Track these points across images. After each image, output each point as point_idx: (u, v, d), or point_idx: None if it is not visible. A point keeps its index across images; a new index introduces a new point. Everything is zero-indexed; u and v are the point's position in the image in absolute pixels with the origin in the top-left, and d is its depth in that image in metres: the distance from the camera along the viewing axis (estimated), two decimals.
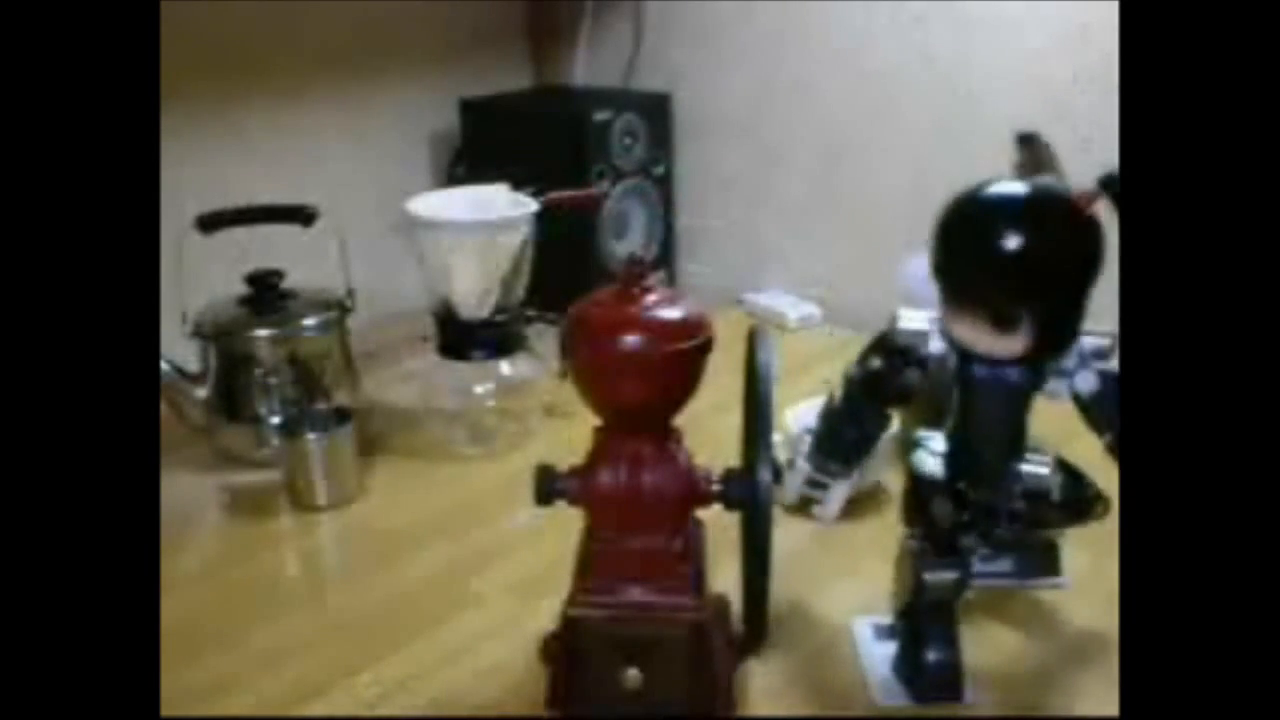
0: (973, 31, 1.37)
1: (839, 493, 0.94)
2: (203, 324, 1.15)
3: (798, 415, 1.02)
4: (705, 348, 0.72)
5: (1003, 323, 0.68)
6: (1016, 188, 0.69)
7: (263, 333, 1.15)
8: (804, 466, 0.91)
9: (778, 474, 0.74)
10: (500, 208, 1.16)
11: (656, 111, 1.58)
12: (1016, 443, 0.75)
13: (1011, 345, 0.69)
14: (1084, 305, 0.68)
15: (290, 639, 0.88)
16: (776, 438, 0.70)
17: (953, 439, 0.77)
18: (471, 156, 1.59)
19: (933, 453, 0.78)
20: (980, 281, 0.69)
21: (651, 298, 0.73)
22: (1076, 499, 0.78)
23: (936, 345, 0.75)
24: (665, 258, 1.64)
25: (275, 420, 1.14)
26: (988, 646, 0.84)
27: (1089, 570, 0.85)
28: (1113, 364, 0.73)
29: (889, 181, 1.46)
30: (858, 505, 1.03)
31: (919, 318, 0.76)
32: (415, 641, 0.87)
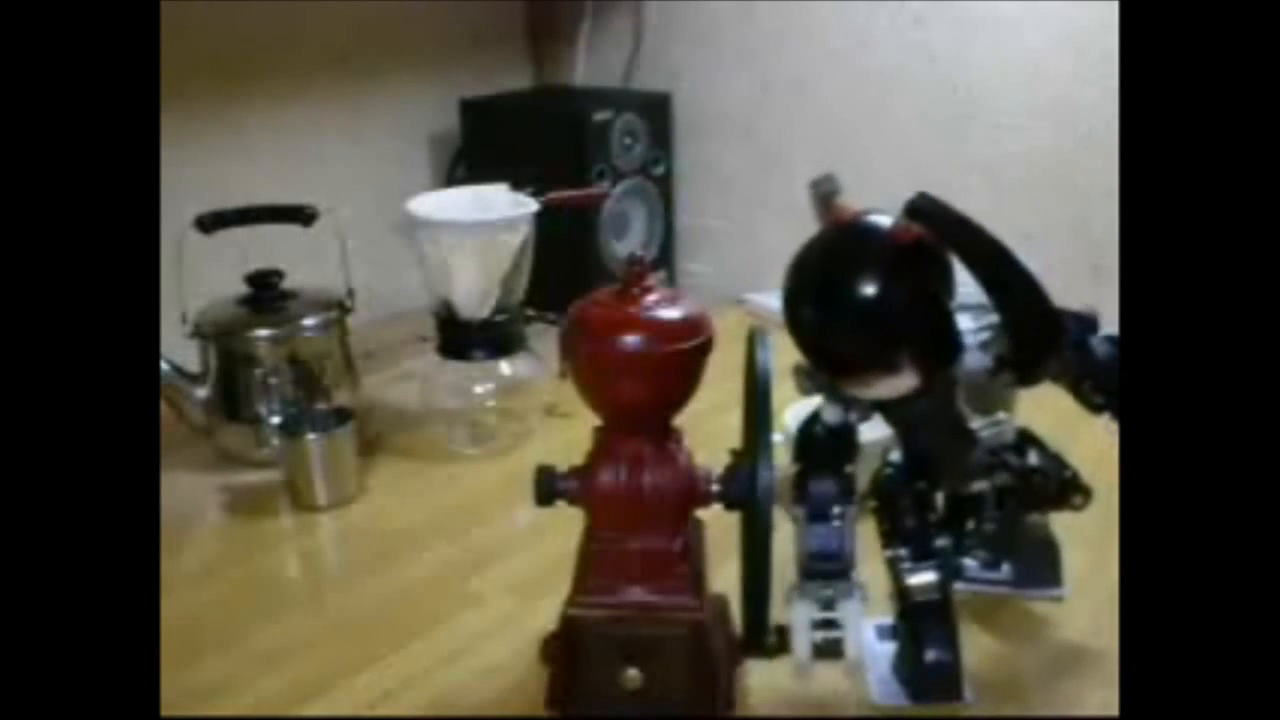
0: (973, 31, 1.37)
1: (853, 620, 0.75)
2: (203, 324, 1.15)
3: (797, 415, 1.01)
4: (705, 348, 0.72)
5: (885, 369, 0.68)
6: (840, 243, 0.70)
7: (263, 333, 1.15)
8: (803, 610, 0.75)
9: (782, 638, 0.74)
10: (500, 208, 1.16)
11: (656, 111, 1.58)
12: (962, 436, 0.75)
13: (905, 382, 0.69)
14: (952, 318, 0.69)
15: (290, 639, 0.88)
16: (776, 438, 0.70)
17: (907, 458, 0.78)
18: (471, 156, 1.59)
19: (891, 465, 0.80)
20: (847, 347, 0.69)
21: (651, 298, 0.73)
22: (1056, 477, 0.78)
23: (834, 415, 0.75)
24: (665, 258, 1.64)
25: (275, 420, 1.14)
26: (987, 647, 0.84)
27: (1087, 572, 0.85)
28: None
29: (889, 182, 1.46)
30: (858, 505, 1.03)
31: (806, 405, 0.77)
32: (415, 641, 0.87)
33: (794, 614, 0.75)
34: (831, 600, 0.75)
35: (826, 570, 0.75)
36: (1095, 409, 0.73)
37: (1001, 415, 0.76)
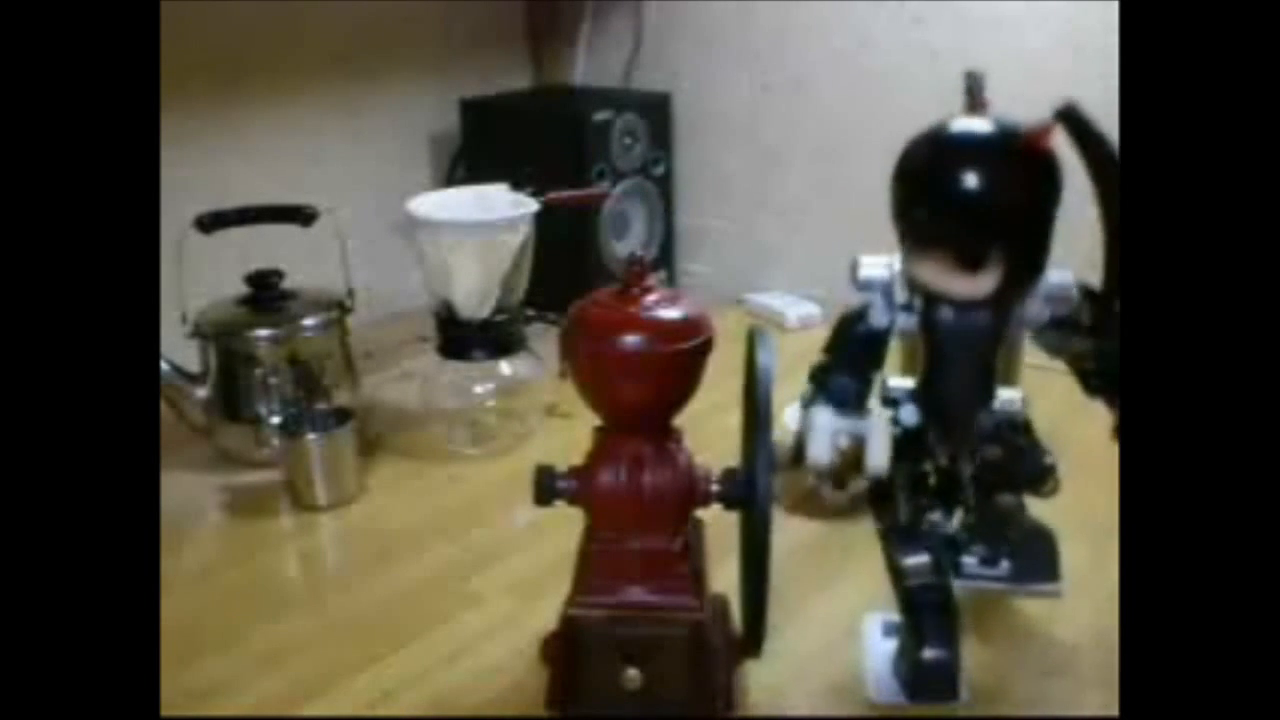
0: (973, 31, 1.37)
1: (878, 428, 0.75)
2: (203, 324, 1.15)
3: (797, 415, 1.01)
4: (705, 348, 0.72)
5: (970, 262, 0.67)
6: (975, 126, 0.69)
7: (263, 333, 1.15)
8: (825, 414, 0.75)
9: (800, 450, 0.73)
10: (500, 208, 1.16)
11: (656, 111, 1.58)
12: (986, 389, 0.75)
13: (981, 285, 0.68)
14: (1049, 239, 0.68)
15: (290, 639, 0.88)
16: (776, 437, 0.70)
17: (922, 389, 0.76)
18: (471, 156, 1.59)
19: (902, 406, 0.77)
20: (946, 222, 0.68)
21: (651, 298, 0.73)
22: (1034, 463, 0.77)
23: (901, 296, 0.74)
24: (665, 258, 1.64)
25: (275, 420, 1.14)
26: (987, 648, 0.84)
27: (1087, 572, 0.85)
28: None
29: (889, 181, 1.46)
30: (858, 505, 1.03)
31: (879, 262, 0.75)
32: (415, 641, 0.87)
33: (815, 418, 0.74)
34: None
35: (844, 399, 0.75)
36: (1091, 391, 0.73)
37: (1017, 393, 0.76)
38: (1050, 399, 0.76)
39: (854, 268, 0.76)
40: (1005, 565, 0.83)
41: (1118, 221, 0.65)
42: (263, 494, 1.10)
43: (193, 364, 1.16)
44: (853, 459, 0.75)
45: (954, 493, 0.80)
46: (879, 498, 0.80)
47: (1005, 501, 0.81)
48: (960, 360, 0.74)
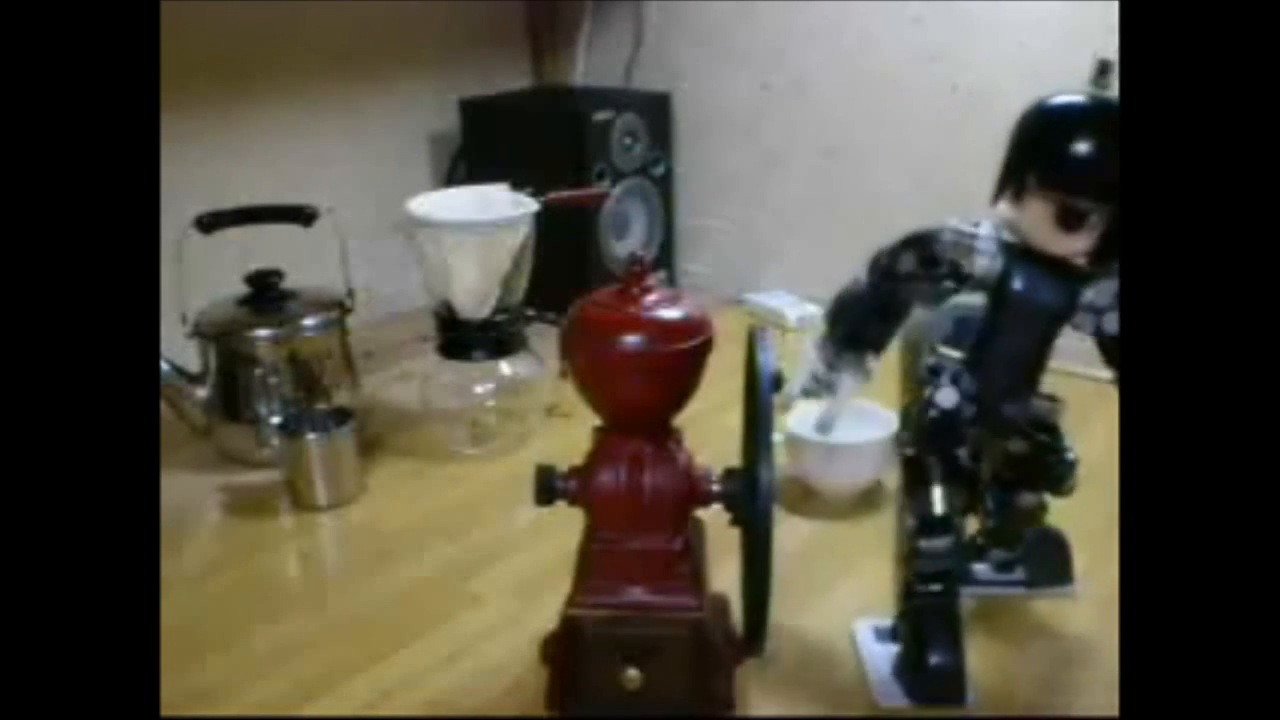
0: (973, 31, 1.37)
1: (848, 386, 0.82)
2: (203, 324, 1.15)
3: (797, 415, 1.02)
4: (705, 348, 0.72)
5: (1072, 217, 0.69)
6: (1109, 97, 0.71)
7: (263, 333, 1.15)
8: (813, 361, 0.83)
9: (779, 381, 0.73)
10: (500, 208, 1.16)
11: (656, 111, 1.58)
12: (1034, 372, 0.75)
13: (1074, 243, 0.70)
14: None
15: (290, 639, 0.88)
16: (776, 438, 0.70)
17: (971, 358, 0.76)
18: (471, 156, 1.59)
19: (949, 383, 0.76)
20: (1065, 171, 0.70)
21: (651, 298, 0.73)
22: (1060, 461, 0.78)
23: (982, 261, 0.74)
24: (665, 258, 1.64)
25: (275, 420, 1.14)
26: (986, 649, 0.84)
27: (1087, 572, 0.85)
28: None
29: (889, 181, 1.46)
30: (858, 505, 1.04)
31: (965, 229, 0.75)
32: (415, 641, 0.87)
33: (804, 359, 0.83)
34: (838, 366, 0.81)
35: (854, 336, 0.80)
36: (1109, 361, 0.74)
37: (1058, 400, 0.76)
38: (1078, 333, 0.76)
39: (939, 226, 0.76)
40: (1019, 572, 0.83)
41: None
42: (263, 494, 1.10)
43: (193, 364, 1.16)
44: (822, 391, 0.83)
45: (972, 494, 0.80)
46: (913, 483, 0.80)
47: (1027, 501, 0.81)
48: (1018, 335, 0.75)
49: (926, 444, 0.78)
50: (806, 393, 0.85)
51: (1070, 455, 0.77)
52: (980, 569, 0.83)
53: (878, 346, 0.81)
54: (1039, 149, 0.72)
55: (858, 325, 0.81)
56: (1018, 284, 0.73)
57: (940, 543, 0.77)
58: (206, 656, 0.86)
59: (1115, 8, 0.63)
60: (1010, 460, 0.78)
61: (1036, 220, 0.71)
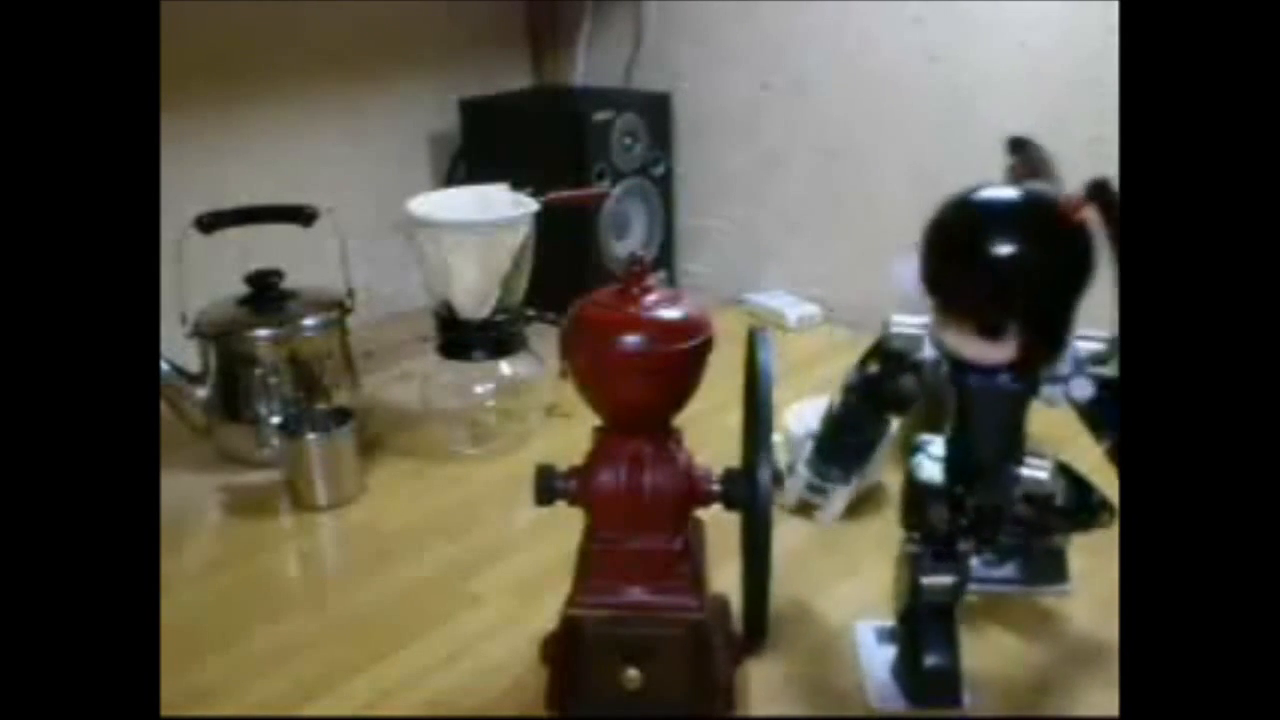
0: (973, 31, 1.37)
1: (839, 498, 0.88)
2: (203, 324, 1.15)
3: (798, 415, 1.02)
4: (705, 348, 0.72)
5: (990, 331, 0.68)
6: (1004, 194, 0.69)
7: (263, 333, 1.15)
8: (804, 472, 0.87)
9: (778, 478, 0.74)
10: (500, 208, 1.16)
11: (656, 111, 1.58)
12: (1014, 447, 0.75)
13: (1000, 352, 0.68)
14: (1073, 313, 0.68)
15: (290, 639, 0.88)
16: (776, 438, 0.70)
17: (951, 444, 0.76)
18: (471, 156, 1.59)
19: (932, 458, 0.78)
20: (967, 290, 0.68)
21: (651, 298, 0.73)
22: (1082, 506, 0.78)
23: (930, 351, 0.74)
24: (665, 258, 1.64)
25: (275, 420, 1.14)
26: (985, 650, 0.84)
27: (1087, 573, 0.85)
28: (1110, 369, 0.72)
29: (889, 181, 1.46)
30: (858, 505, 1.03)
31: (912, 322, 0.75)
32: (415, 641, 0.87)
33: (796, 470, 0.86)
34: (830, 481, 0.85)
35: (838, 451, 0.84)
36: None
37: (1049, 461, 0.75)
38: (1044, 421, 0.76)
39: (885, 326, 0.77)
40: (1010, 567, 0.84)
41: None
42: (263, 494, 1.10)
43: (193, 364, 1.16)
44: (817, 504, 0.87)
45: (987, 526, 0.80)
46: (912, 511, 0.80)
47: (1057, 542, 0.81)
48: (986, 421, 0.74)
49: (908, 518, 0.79)
50: (804, 503, 0.90)
51: (1096, 498, 0.77)
52: (974, 563, 0.83)
53: (860, 461, 0.85)
54: (947, 257, 0.69)
55: (839, 443, 0.84)
56: (973, 376, 0.72)
57: (945, 580, 0.77)
58: (206, 656, 0.86)
59: (1115, 8, 0.63)
60: (1026, 520, 0.78)
61: (956, 333, 0.70)
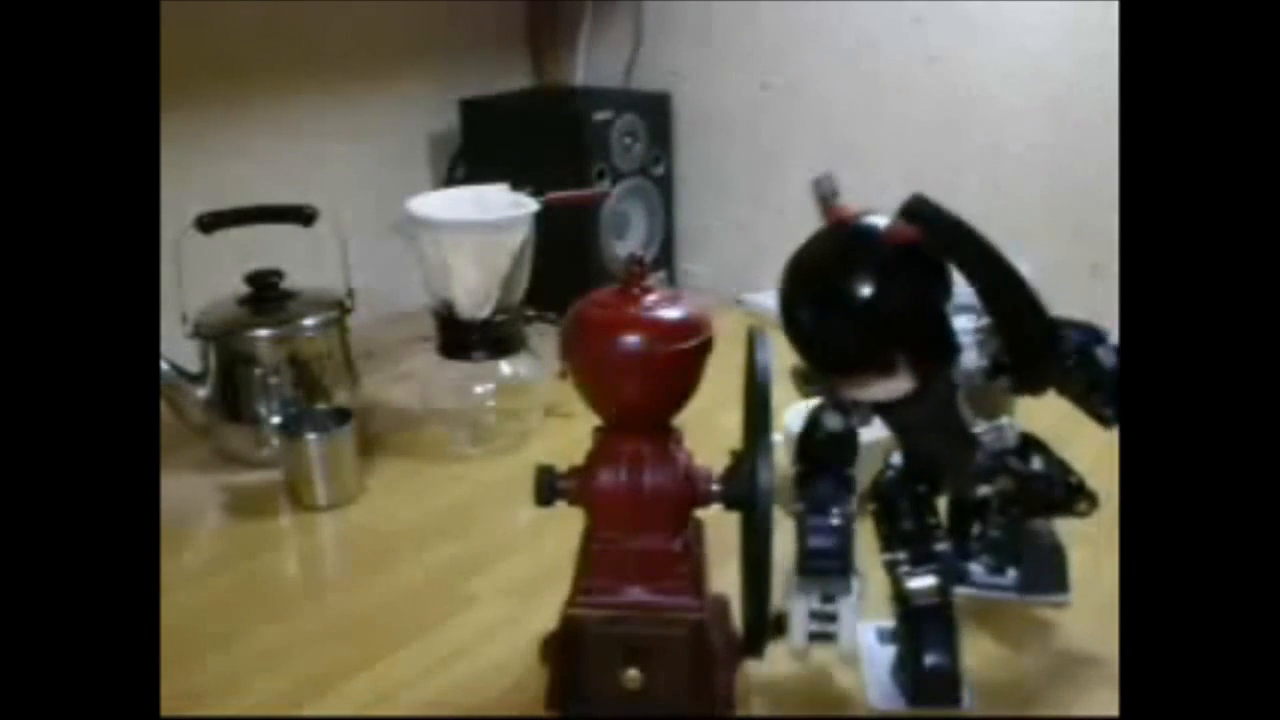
0: (973, 31, 1.37)
1: (849, 614, 0.77)
2: (203, 324, 1.15)
3: (797, 415, 1.01)
4: (705, 348, 0.72)
5: (881, 370, 0.68)
6: (835, 245, 0.69)
7: (263, 333, 1.15)
8: (802, 601, 0.77)
9: (780, 625, 0.75)
10: (500, 208, 1.16)
11: (656, 111, 1.58)
12: (964, 442, 0.75)
13: (901, 384, 0.69)
14: (948, 320, 0.68)
15: (290, 639, 0.88)
16: (776, 438, 0.70)
17: (908, 461, 0.78)
18: (471, 156, 1.59)
19: (891, 467, 0.80)
20: (843, 347, 0.69)
21: (651, 298, 0.73)
22: (1060, 482, 0.78)
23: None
24: (665, 258, 1.64)
25: (275, 420, 1.14)
26: (986, 651, 0.84)
27: (1087, 572, 0.85)
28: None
29: (889, 181, 1.46)
30: (858, 505, 1.03)
31: (804, 406, 0.78)
32: (415, 641, 0.87)
33: (793, 605, 0.76)
34: (831, 595, 0.76)
35: (825, 568, 0.75)
36: (1104, 422, 0.73)
37: (1004, 420, 0.76)
38: (1049, 408, 0.76)
39: (785, 430, 0.78)
40: (1012, 575, 0.84)
41: (995, 301, 0.66)
42: (263, 494, 1.10)
43: (193, 364, 1.16)
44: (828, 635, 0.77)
45: (967, 522, 0.81)
46: (884, 516, 0.80)
47: (1037, 526, 0.81)
48: (925, 436, 0.76)
49: (899, 483, 0.80)
50: (814, 636, 0.77)
51: (1072, 479, 0.78)
52: (975, 569, 0.83)
53: (848, 492, 0.78)
54: (812, 330, 0.70)
55: (823, 499, 0.77)
56: (889, 414, 0.73)
57: (929, 582, 0.77)
58: (206, 656, 0.86)
59: (1115, 8, 0.63)
60: (1005, 497, 0.79)
61: (854, 385, 0.71)
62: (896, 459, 0.80)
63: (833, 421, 0.76)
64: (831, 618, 0.77)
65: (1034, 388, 0.72)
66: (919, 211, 0.65)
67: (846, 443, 0.77)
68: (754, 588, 0.72)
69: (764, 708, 0.79)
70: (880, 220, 0.69)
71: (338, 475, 1.08)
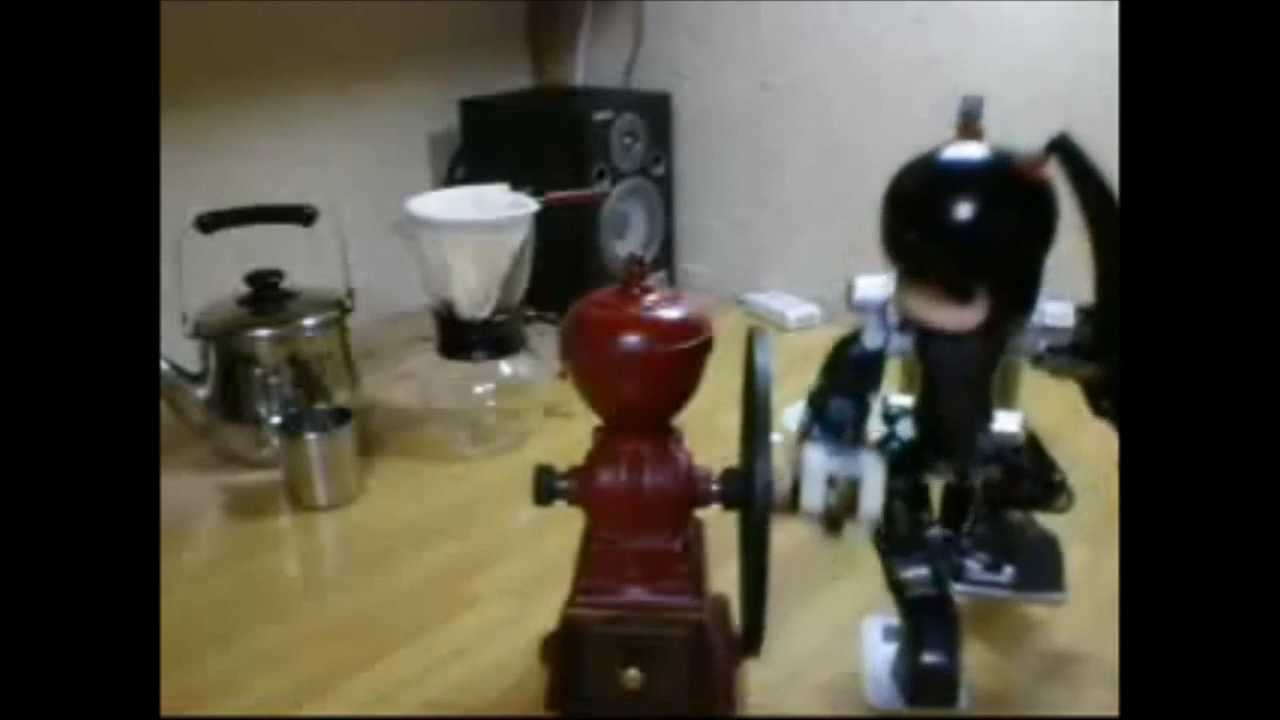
0: (973, 31, 1.37)
1: (871, 467, 0.72)
2: (203, 324, 1.15)
3: (797, 415, 1.01)
4: (705, 348, 0.72)
5: (958, 294, 0.66)
6: (966, 155, 0.67)
7: (263, 333, 1.15)
8: (818, 457, 0.73)
9: (796, 493, 0.72)
10: (500, 208, 1.16)
11: (656, 111, 1.58)
12: (983, 411, 0.74)
13: (969, 317, 0.67)
14: (1040, 272, 0.67)
15: (290, 639, 0.88)
16: (776, 438, 0.70)
17: (920, 411, 0.76)
18: (471, 156, 1.59)
19: (896, 437, 0.77)
20: (933, 254, 0.67)
21: (651, 298, 0.73)
22: (1041, 475, 0.78)
23: (871, 336, 0.73)
24: (665, 258, 1.64)
25: (275, 420, 1.14)
26: (985, 651, 0.84)
27: (1086, 572, 0.85)
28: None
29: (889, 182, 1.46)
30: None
31: (876, 283, 0.73)
32: (415, 641, 0.87)
33: (808, 460, 0.71)
34: (852, 454, 0.72)
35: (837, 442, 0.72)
36: (1099, 412, 0.73)
37: (1016, 417, 0.76)
38: (1050, 407, 0.76)
39: (849, 289, 0.74)
40: (1009, 572, 0.84)
41: (1111, 255, 0.64)
42: (263, 494, 1.10)
43: (193, 364, 1.16)
44: (848, 500, 0.72)
45: (961, 508, 0.80)
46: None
47: (1014, 517, 0.81)
48: (955, 385, 0.74)
49: (893, 473, 0.76)
50: (830, 509, 0.73)
51: (1056, 476, 0.77)
52: (971, 566, 0.83)
53: (862, 420, 0.76)
54: (911, 220, 0.67)
55: (839, 413, 0.75)
56: (939, 341, 0.71)
57: (922, 571, 0.77)
58: (206, 656, 0.86)
59: (1115, 7, 0.63)
60: (990, 485, 0.78)
61: (923, 299, 0.68)
62: (893, 442, 0.77)
63: (873, 340, 0.73)
64: (851, 480, 0.72)
65: (1104, 348, 0.69)
66: (1065, 148, 0.64)
67: (874, 366, 0.74)
68: (754, 587, 0.72)
69: (764, 707, 0.79)
70: (1017, 150, 0.66)
71: (338, 475, 1.08)
